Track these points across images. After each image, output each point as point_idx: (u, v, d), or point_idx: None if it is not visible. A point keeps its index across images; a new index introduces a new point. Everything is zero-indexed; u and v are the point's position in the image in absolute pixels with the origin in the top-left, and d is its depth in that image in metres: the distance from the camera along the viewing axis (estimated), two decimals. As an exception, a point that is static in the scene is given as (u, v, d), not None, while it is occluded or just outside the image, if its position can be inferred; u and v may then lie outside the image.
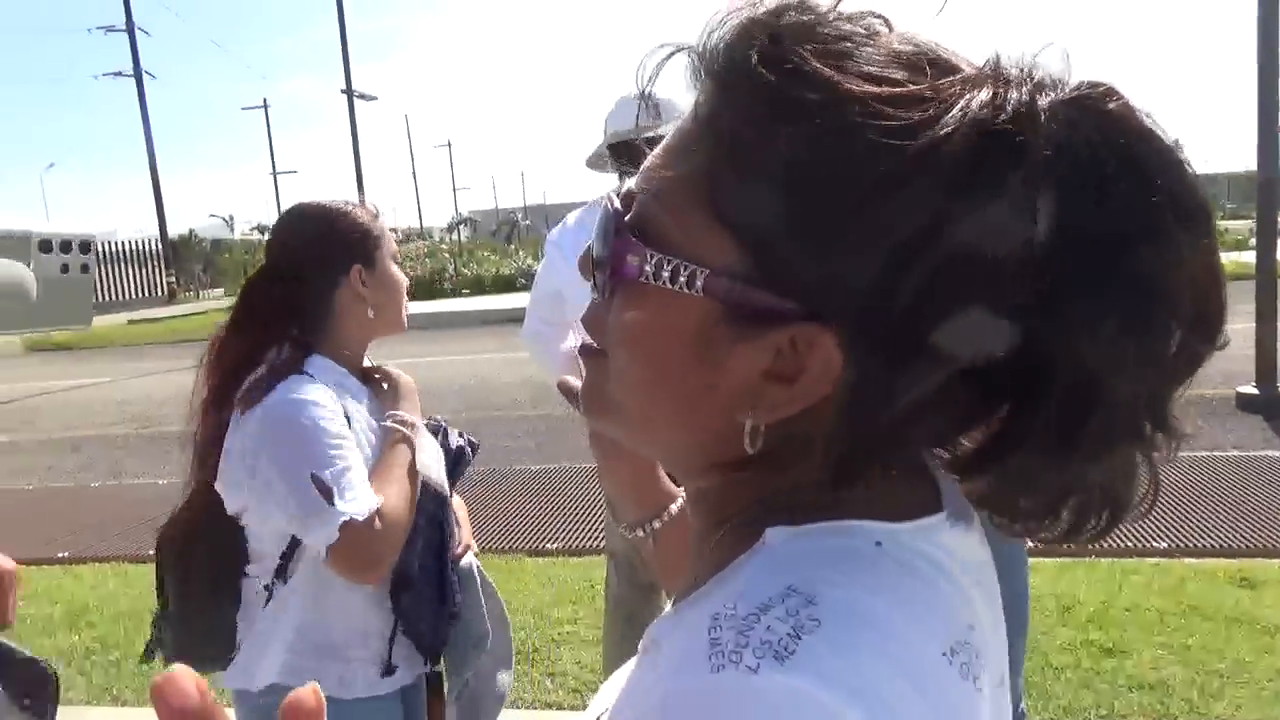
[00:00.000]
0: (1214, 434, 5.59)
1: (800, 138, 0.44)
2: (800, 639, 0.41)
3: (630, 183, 0.54)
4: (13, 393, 11.56)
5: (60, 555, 5.10)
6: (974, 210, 0.42)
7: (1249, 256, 6.79)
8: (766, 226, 0.46)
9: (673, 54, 0.52)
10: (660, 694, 0.43)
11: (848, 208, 0.44)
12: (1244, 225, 19.42)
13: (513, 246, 30.99)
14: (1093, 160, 0.43)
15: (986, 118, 0.43)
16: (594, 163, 2.60)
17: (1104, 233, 0.43)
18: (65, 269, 0.86)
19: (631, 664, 0.54)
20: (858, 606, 0.44)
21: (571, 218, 2.53)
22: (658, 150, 0.52)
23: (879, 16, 0.48)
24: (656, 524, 0.79)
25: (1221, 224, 19.71)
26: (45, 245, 0.83)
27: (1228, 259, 0.48)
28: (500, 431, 7.25)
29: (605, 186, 2.54)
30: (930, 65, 0.46)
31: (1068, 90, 0.44)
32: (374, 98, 21.22)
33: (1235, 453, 5.21)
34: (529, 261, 24.02)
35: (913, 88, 0.44)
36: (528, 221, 50.50)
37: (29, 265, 0.81)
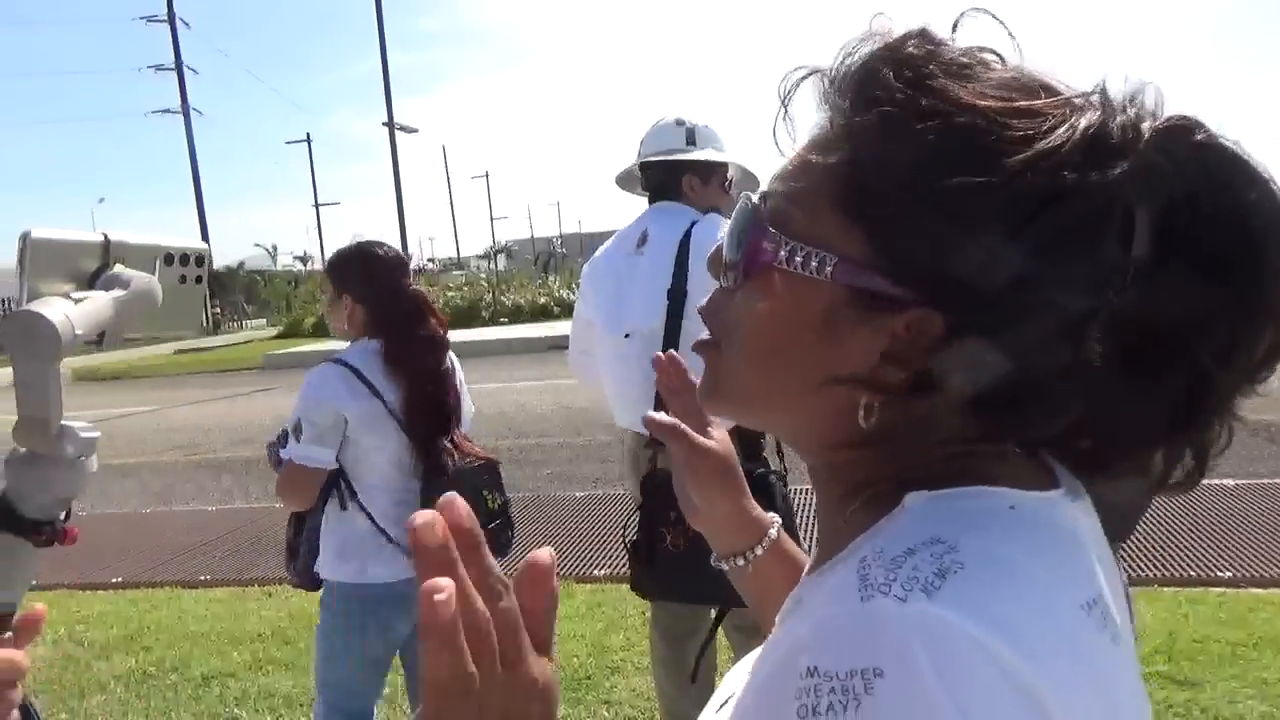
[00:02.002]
0: (1274, 461, 5.45)
1: (927, 143, 0.49)
2: (945, 578, 0.44)
3: (765, 185, 0.59)
4: (64, 421, 11.78)
5: (114, 580, 5.17)
6: (1075, 216, 0.47)
7: None
8: (891, 220, 0.51)
9: (809, 74, 0.57)
10: (810, 625, 0.46)
11: (965, 206, 0.48)
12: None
13: (550, 275, 31.19)
14: (1190, 182, 0.47)
15: (1094, 134, 0.48)
16: (624, 180, 2.74)
17: (1207, 248, 0.47)
18: (183, 280, 0.93)
19: (758, 651, 0.56)
20: (999, 554, 0.47)
21: (601, 251, 2.69)
22: (793, 156, 0.57)
23: (993, 51, 0.54)
24: (759, 550, 0.81)
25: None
26: (169, 258, 0.91)
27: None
28: (542, 459, 7.27)
29: (638, 212, 2.63)
30: (1042, 89, 0.51)
31: (1163, 120, 0.49)
32: (414, 130, 21.59)
33: (1297, 480, 5.06)
34: (565, 290, 24.20)
35: (1028, 104, 0.50)
36: (564, 250, 50.92)
37: (155, 276, 0.88)
